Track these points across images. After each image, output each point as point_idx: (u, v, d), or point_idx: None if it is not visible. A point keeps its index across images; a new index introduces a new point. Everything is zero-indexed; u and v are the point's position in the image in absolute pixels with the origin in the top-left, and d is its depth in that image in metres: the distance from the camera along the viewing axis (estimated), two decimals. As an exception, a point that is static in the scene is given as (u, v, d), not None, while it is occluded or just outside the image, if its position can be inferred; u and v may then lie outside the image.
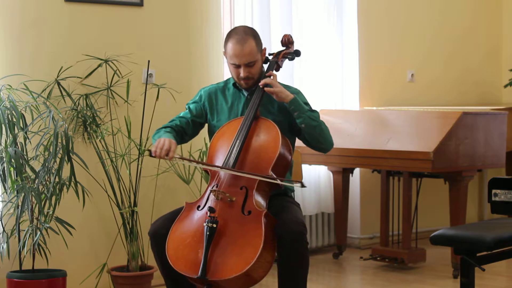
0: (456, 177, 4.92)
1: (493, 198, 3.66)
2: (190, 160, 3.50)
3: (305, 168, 5.37)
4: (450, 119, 4.83)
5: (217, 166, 3.43)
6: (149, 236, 3.48)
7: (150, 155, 3.46)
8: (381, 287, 4.83)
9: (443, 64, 6.46)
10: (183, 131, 3.70)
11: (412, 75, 6.26)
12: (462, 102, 6.47)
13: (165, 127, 3.67)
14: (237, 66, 3.56)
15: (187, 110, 3.76)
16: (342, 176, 5.51)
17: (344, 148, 5.17)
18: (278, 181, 3.36)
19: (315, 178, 5.67)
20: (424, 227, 5.71)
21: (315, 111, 3.60)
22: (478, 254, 3.33)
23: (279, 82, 3.70)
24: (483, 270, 3.32)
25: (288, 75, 5.39)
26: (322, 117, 5.41)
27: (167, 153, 3.43)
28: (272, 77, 3.58)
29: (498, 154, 5.06)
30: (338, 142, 5.19)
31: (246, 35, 3.55)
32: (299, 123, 3.53)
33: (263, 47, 3.65)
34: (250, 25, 5.22)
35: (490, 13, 6.80)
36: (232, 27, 5.24)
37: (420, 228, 5.46)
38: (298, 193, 5.43)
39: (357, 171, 5.83)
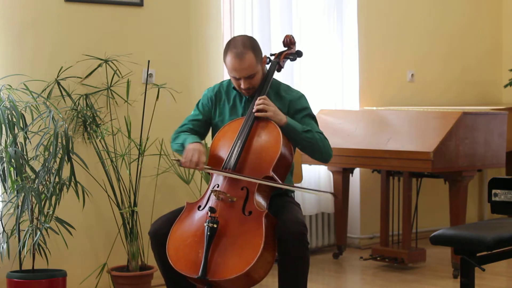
0: (456, 177, 4.92)
1: (493, 198, 3.66)
2: (219, 171, 3.45)
3: (305, 168, 5.37)
4: (450, 119, 4.83)
5: (248, 177, 3.37)
6: (149, 236, 3.48)
7: (180, 165, 3.47)
8: (381, 287, 4.83)
9: (443, 64, 6.46)
10: (197, 134, 3.68)
11: (412, 75, 6.26)
12: (462, 102, 6.47)
13: (183, 132, 3.65)
14: (237, 79, 3.56)
15: (197, 112, 3.74)
16: (342, 176, 5.51)
17: (344, 148, 5.17)
18: (314, 192, 3.36)
19: (315, 178, 5.67)
20: (424, 227, 5.71)
21: (309, 131, 3.54)
22: (478, 254, 3.33)
23: (282, 84, 3.71)
24: (483, 270, 3.32)
25: (288, 75, 5.39)
26: (322, 117, 5.50)
27: (197, 164, 3.42)
28: (264, 100, 3.51)
29: (498, 154, 5.06)
30: (338, 142, 5.21)
31: (244, 49, 3.51)
32: (293, 144, 3.54)
33: (263, 56, 3.62)
34: (249, 25, 5.24)
35: (490, 13, 6.80)
36: (232, 28, 5.27)
37: (420, 228, 5.46)
38: (298, 193, 5.43)
39: (357, 171, 5.83)
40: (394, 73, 6.17)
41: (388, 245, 5.34)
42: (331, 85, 5.82)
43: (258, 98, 3.54)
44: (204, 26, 5.06)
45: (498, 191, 3.65)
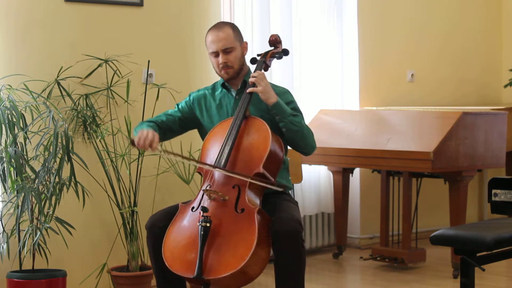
0: (456, 177, 4.92)
1: (493, 198, 3.66)
2: (174, 154, 3.51)
3: (305, 168, 5.37)
4: (450, 119, 4.84)
5: (202, 163, 3.43)
6: (146, 229, 3.49)
7: (133, 144, 3.47)
8: (381, 287, 4.83)
9: (443, 64, 6.46)
10: (167, 128, 3.72)
11: (412, 75, 6.26)
12: (462, 102, 6.47)
13: (148, 121, 3.69)
14: (216, 55, 3.62)
15: (176, 109, 3.79)
16: (342, 176, 5.51)
17: (344, 148, 5.18)
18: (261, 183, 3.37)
19: (315, 178, 5.67)
20: (424, 227, 5.72)
21: (297, 115, 3.58)
22: (478, 254, 3.33)
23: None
24: (483, 270, 3.32)
25: (288, 75, 5.40)
26: (322, 117, 5.51)
27: (151, 144, 3.46)
28: (257, 75, 3.56)
29: (498, 154, 5.06)
30: (338, 142, 5.22)
31: (223, 24, 3.71)
32: (281, 126, 3.56)
33: (244, 41, 3.71)
34: (250, 25, 5.26)
35: (490, 13, 6.80)
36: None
37: (420, 228, 5.46)
38: (298, 193, 5.43)
39: (357, 171, 5.83)
40: (394, 73, 6.17)
41: (388, 245, 5.34)
42: (331, 85, 5.82)
43: (253, 72, 3.59)
44: (204, 26, 5.05)
45: (498, 191, 3.65)
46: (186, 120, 3.77)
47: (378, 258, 5.22)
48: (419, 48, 6.31)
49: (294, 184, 4.93)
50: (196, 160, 3.45)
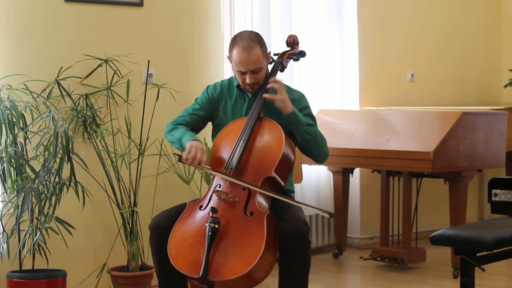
0: (456, 177, 4.92)
1: (493, 198, 3.66)
2: (220, 173, 3.42)
3: (305, 168, 5.37)
4: (450, 119, 4.84)
5: (247, 183, 3.35)
6: (150, 229, 3.47)
7: (180, 160, 3.41)
8: (381, 287, 4.83)
9: (443, 64, 6.46)
10: (191, 129, 3.67)
11: (412, 75, 6.26)
12: (462, 102, 6.47)
13: (182, 125, 3.63)
14: (243, 73, 3.56)
15: (198, 107, 3.72)
16: (342, 176, 5.51)
17: (344, 148, 5.18)
18: (311, 208, 3.38)
19: (315, 178, 5.67)
20: (424, 227, 5.72)
21: (312, 125, 3.58)
22: (478, 254, 3.33)
23: (284, 84, 3.70)
24: (483, 270, 3.32)
25: (288, 75, 5.39)
26: (322, 117, 5.51)
27: (199, 163, 3.39)
28: (279, 83, 3.56)
29: (498, 154, 5.06)
30: (338, 142, 5.22)
31: (252, 42, 3.53)
32: (295, 135, 3.55)
33: (268, 51, 3.64)
34: (250, 26, 5.25)
35: (490, 13, 6.80)
36: (232, 27, 5.28)
37: (420, 228, 5.46)
38: (298, 193, 5.43)
39: (357, 171, 5.83)
40: (394, 73, 6.17)
41: (388, 245, 5.34)
42: (331, 85, 5.82)
43: (272, 80, 3.56)
44: (204, 26, 5.06)
45: (498, 191, 3.65)
46: (208, 117, 3.73)
47: (378, 258, 5.22)
48: (419, 48, 6.31)
49: (294, 184, 4.93)
50: (240, 179, 3.37)
